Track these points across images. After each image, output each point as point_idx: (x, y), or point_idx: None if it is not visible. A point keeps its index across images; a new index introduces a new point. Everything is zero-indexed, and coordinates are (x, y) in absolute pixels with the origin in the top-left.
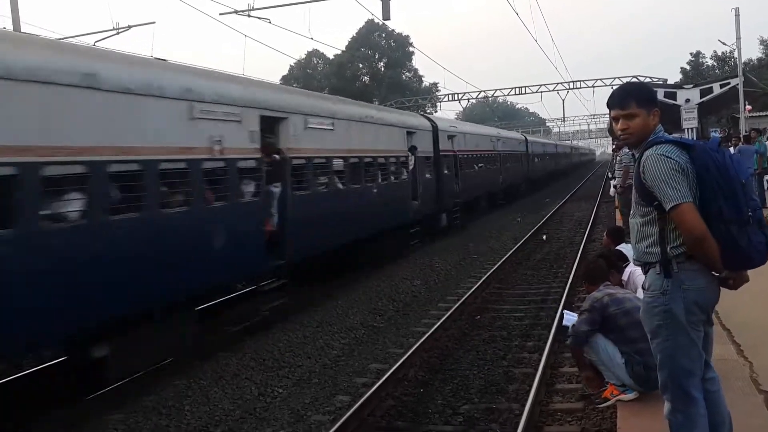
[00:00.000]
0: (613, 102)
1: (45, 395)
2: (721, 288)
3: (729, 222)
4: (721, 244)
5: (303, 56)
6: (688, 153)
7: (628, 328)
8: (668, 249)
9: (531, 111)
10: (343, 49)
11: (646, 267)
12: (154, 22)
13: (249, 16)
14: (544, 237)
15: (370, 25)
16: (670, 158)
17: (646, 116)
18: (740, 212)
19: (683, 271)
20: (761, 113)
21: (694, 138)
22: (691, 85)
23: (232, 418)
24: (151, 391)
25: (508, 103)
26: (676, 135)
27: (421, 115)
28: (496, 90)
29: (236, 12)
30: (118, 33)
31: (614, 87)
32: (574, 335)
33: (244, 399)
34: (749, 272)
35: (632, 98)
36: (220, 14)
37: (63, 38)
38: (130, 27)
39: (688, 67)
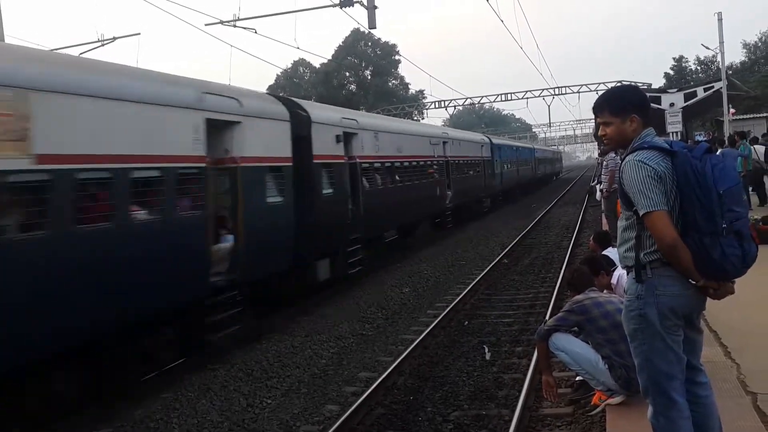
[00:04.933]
0: (594, 109)
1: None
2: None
3: (702, 233)
4: (695, 253)
5: (289, 66)
6: (672, 159)
7: (609, 330)
8: (642, 255)
9: (517, 117)
10: (330, 58)
11: (627, 271)
12: (139, 34)
13: (234, 26)
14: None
15: (356, 34)
16: (647, 165)
17: (620, 124)
18: (714, 223)
19: (657, 276)
20: (745, 116)
21: (679, 140)
22: (675, 89)
23: (220, 430)
24: (138, 404)
25: (495, 109)
26: (664, 139)
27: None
28: (482, 97)
29: (222, 22)
30: (103, 45)
31: (599, 92)
32: (538, 331)
33: (232, 410)
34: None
35: (605, 106)
36: (206, 25)
37: (51, 50)
38: (115, 39)
39: (671, 72)
